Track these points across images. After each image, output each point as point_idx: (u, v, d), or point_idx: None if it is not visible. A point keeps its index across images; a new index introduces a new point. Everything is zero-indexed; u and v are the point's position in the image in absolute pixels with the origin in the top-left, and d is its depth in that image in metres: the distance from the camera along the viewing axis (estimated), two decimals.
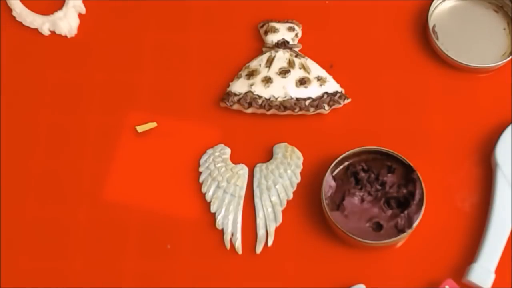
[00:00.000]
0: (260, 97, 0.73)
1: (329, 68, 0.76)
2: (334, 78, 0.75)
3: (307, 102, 0.73)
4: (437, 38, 0.76)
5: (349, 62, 0.77)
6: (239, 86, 0.73)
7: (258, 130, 0.74)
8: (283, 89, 0.73)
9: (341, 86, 0.75)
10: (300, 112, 0.73)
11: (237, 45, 0.77)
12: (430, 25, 0.76)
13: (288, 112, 0.73)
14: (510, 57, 0.75)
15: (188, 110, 0.75)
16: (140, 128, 0.74)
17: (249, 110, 0.73)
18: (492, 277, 0.67)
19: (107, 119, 0.75)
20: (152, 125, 0.74)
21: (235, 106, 0.74)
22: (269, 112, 0.73)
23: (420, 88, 0.75)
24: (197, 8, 0.79)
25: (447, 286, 0.66)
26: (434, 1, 0.77)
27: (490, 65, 0.75)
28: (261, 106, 0.73)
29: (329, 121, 0.74)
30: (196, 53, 0.77)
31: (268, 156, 0.73)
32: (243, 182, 0.72)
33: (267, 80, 0.73)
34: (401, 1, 0.79)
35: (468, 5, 0.78)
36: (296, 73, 0.74)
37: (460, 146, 0.73)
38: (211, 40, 0.78)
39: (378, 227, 0.68)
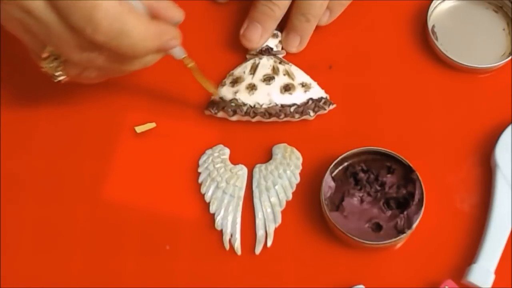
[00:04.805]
0: (244, 104, 0.72)
1: (328, 69, 0.76)
2: (333, 77, 0.75)
3: (292, 109, 0.72)
4: (437, 39, 0.76)
5: (348, 62, 0.76)
6: (224, 94, 0.73)
7: (257, 131, 0.74)
8: (267, 96, 0.73)
9: (340, 86, 0.75)
10: (285, 119, 0.72)
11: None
12: (430, 25, 0.76)
13: (273, 119, 0.72)
14: (510, 57, 0.75)
15: (187, 110, 0.75)
16: (139, 129, 0.74)
17: (234, 118, 0.73)
18: (492, 277, 0.66)
19: (106, 119, 0.74)
20: (151, 125, 0.74)
21: (220, 114, 0.73)
22: (254, 120, 0.73)
23: (419, 88, 0.75)
24: (196, 8, 0.79)
25: (446, 287, 0.66)
26: (434, 1, 0.77)
27: (490, 65, 0.75)
28: (246, 114, 0.72)
29: (328, 121, 0.74)
30: (196, 53, 0.77)
31: (268, 157, 0.73)
32: (242, 183, 0.72)
33: (252, 87, 0.73)
34: (400, 1, 0.79)
35: (467, 5, 0.78)
36: (280, 79, 0.74)
37: (460, 146, 0.73)
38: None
39: (378, 227, 0.68)
